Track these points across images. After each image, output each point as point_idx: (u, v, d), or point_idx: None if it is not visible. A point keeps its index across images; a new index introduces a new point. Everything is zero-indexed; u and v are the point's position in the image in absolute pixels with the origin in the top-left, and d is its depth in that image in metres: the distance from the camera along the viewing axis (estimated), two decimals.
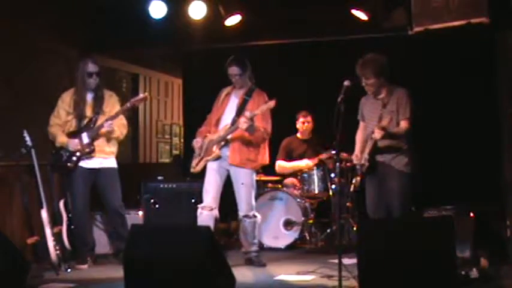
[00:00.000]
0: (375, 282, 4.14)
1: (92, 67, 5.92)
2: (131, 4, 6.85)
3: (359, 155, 5.61)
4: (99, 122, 5.89)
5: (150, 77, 9.97)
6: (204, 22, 6.74)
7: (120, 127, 6.00)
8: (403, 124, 5.37)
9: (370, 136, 5.45)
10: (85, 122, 5.92)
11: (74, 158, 5.89)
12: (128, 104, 5.90)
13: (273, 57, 7.44)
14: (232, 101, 5.95)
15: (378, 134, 5.28)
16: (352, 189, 5.86)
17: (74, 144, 5.89)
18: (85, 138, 5.89)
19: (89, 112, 5.94)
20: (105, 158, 5.97)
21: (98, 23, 7.04)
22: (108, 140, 5.96)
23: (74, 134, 5.92)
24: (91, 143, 5.88)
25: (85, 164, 5.92)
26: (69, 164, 5.90)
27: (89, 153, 5.89)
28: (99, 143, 5.93)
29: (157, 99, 10.15)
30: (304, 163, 7.20)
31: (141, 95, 6.07)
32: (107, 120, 5.83)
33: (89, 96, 5.98)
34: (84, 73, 5.91)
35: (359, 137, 5.72)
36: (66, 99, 5.99)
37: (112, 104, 6.04)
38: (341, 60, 7.27)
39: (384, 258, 4.11)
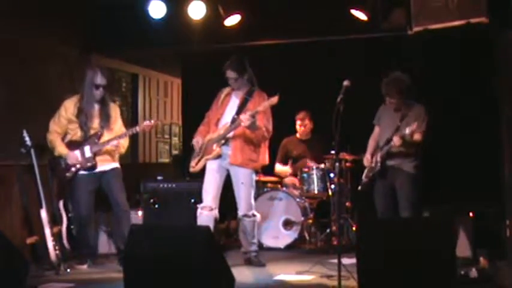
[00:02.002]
0: (375, 282, 4.14)
1: (100, 79, 5.82)
2: (131, 4, 6.85)
3: (369, 158, 5.88)
4: (104, 138, 5.87)
5: (149, 77, 9.97)
6: (203, 22, 6.74)
7: (125, 143, 6.02)
8: (417, 136, 5.58)
9: (385, 142, 5.70)
10: (90, 133, 5.87)
11: (73, 169, 5.86)
12: (137, 128, 5.89)
13: (272, 57, 7.43)
14: (232, 101, 5.94)
15: (397, 141, 5.53)
16: (359, 188, 6.03)
17: (73, 157, 5.84)
18: (87, 151, 5.85)
19: (95, 123, 5.89)
20: (109, 162, 5.96)
21: (98, 23, 7.04)
22: (111, 154, 5.97)
23: (77, 144, 5.87)
24: (93, 158, 5.85)
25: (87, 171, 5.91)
26: (67, 174, 5.88)
27: (90, 167, 5.86)
28: (103, 154, 5.91)
29: (157, 99, 10.14)
30: (287, 169, 7.37)
31: (152, 121, 5.96)
32: (114, 139, 5.83)
33: (96, 107, 5.93)
34: (92, 84, 5.83)
35: (372, 141, 5.98)
36: (69, 108, 5.90)
37: (116, 118, 6.01)
38: (341, 60, 7.31)
39: (383, 258, 4.11)
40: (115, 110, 6.09)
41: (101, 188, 5.97)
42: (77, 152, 5.85)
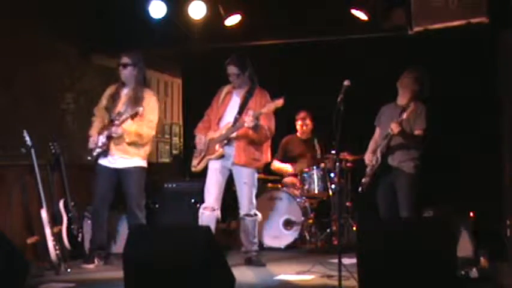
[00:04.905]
0: (375, 282, 4.14)
1: (121, 59, 5.91)
2: (131, 4, 6.85)
3: (370, 156, 5.79)
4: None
5: (149, 76, 9.94)
6: (203, 22, 6.73)
7: (141, 128, 5.78)
8: (417, 132, 5.57)
9: (384, 137, 5.62)
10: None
11: (94, 154, 5.91)
12: (129, 113, 5.77)
13: (273, 57, 7.43)
14: (233, 100, 5.95)
15: (395, 128, 5.44)
16: (359, 190, 5.91)
17: (91, 141, 5.91)
18: (104, 136, 5.86)
19: (118, 108, 5.86)
20: (128, 159, 5.86)
21: (98, 23, 7.03)
22: (128, 142, 5.82)
23: (103, 130, 5.90)
24: (106, 143, 5.84)
25: (107, 162, 5.88)
26: (88, 158, 5.96)
27: (103, 152, 5.86)
28: (121, 143, 5.81)
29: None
30: (289, 168, 7.30)
31: (139, 108, 5.80)
32: (116, 124, 5.74)
33: (124, 92, 5.94)
34: (118, 65, 5.93)
35: (373, 142, 5.90)
36: (106, 93, 6.03)
37: (145, 108, 5.79)
38: (341, 60, 7.31)
39: (383, 258, 4.11)
40: (149, 100, 5.87)
41: (120, 186, 5.93)
42: (99, 137, 5.88)
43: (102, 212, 5.96)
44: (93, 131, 5.96)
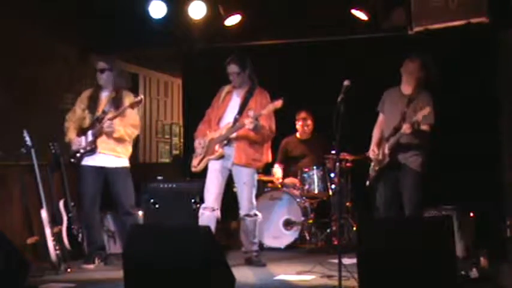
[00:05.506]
0: (375, 282, 4.14)
1: (98, 64, 6.01)
2: (131, 4, 6.85)
3: (376, 150, 5.66)
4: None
5: (149, 76, 9.97)
6: (204, 22, 6.74)
7: (127, 127, 5.95)
8: (425, 127, 5.46)
9: (392, 132, 5.51)
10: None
11: (78, 155, 5.94)
12: (127, 105, 5.89)
13: (272, 57, 7.43)
14: (233, 100, 5.94)
15: (407, 129, 5.33)
16: (367, 184, 5.82)
17: (76, 142, 5.95)
18: (89, 135, 5.93)
19: (105, 108, 5.96)
20: (115, 157, 5.95)
21: (98, 23, 7.04)
22: (116, 139, 5.92)
23: (85, 131, 5.96)
24: (93, 141, 5.90)
25: (92, 161, 5.93)
26: (72, 160, 5.96)
27: (90, 151, 5.91)
28: (109, 141, 5.91)
29: (157, 99, 10.14)
30: (277, 175, 7.29)
31: (137, 98, 5.97)
32: (108, 119, 5.83)
33: (104, 94, 6.03)
34: (96, 70, 6.01)
35: (377, 130, 5.78)
36: (83, 97, 6.08)
37: (125, 104, 5.97)
38: (341, 60, 7.31)
39: (383, 258, 4.11)
40: (128, 99, 6.00)
41: (107, 185, 5.98)
42: (82, 138, 5.95)
43: (94, 213, 6.02)
44: (72, 135, 6.01)
